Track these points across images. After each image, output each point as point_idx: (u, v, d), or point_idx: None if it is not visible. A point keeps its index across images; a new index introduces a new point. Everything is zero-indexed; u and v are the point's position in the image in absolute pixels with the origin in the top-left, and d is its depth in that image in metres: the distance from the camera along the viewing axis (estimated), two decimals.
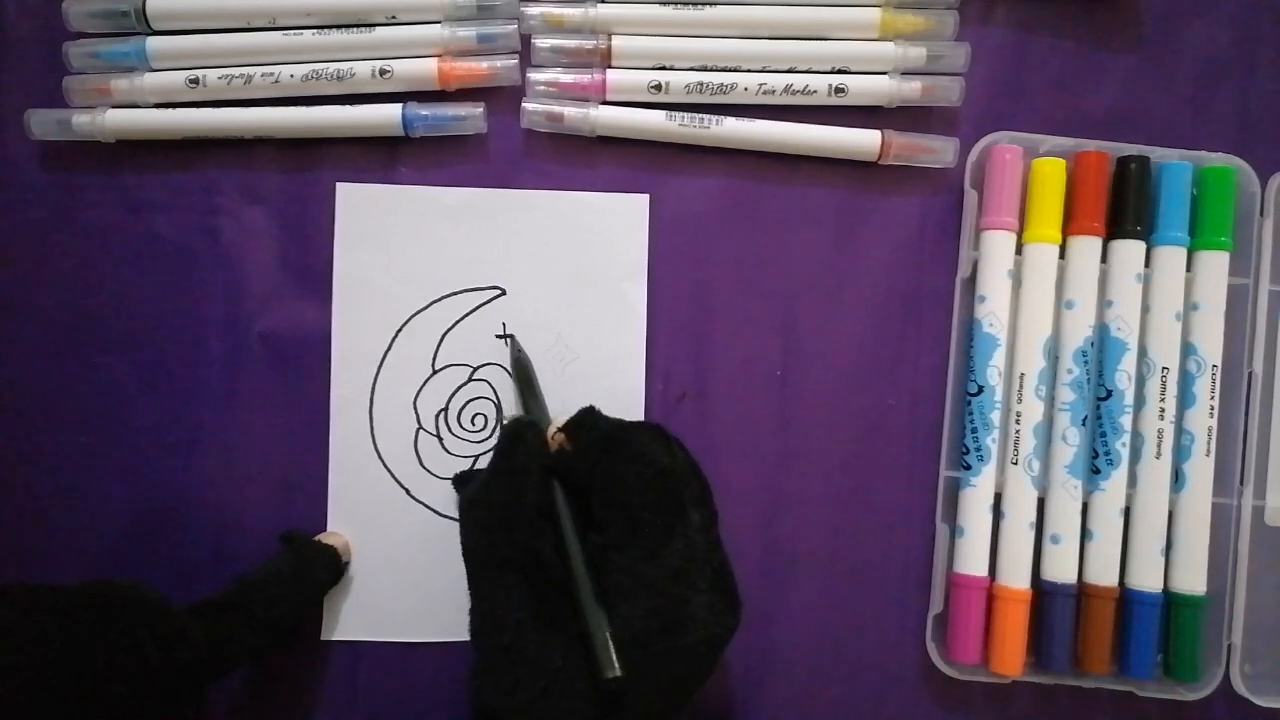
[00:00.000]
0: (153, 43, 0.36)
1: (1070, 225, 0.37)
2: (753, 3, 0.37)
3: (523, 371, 0.36)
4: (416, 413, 0.37)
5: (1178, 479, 0.37)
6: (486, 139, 0.37)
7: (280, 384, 0.37)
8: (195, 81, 0.36)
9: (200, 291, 0.37)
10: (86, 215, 0.37)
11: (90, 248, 0.37)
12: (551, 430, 0.33)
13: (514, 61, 0.37)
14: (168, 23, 0.37)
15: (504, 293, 0.38)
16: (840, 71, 0.37)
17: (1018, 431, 0.36)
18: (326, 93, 0.37)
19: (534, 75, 0.37)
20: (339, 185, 0.37)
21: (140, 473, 0.37)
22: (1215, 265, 0.37)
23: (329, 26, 0.37)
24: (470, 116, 0.36)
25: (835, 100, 0.37)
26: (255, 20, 0.37)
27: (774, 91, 0.37)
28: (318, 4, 0.36)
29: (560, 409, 0.38)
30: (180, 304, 0.37)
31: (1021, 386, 0.36)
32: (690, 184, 0.38)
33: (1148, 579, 0.36)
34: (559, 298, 0.38)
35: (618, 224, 0.37)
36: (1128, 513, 0.37)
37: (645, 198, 0.38)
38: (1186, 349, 0.37)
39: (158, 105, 0.37)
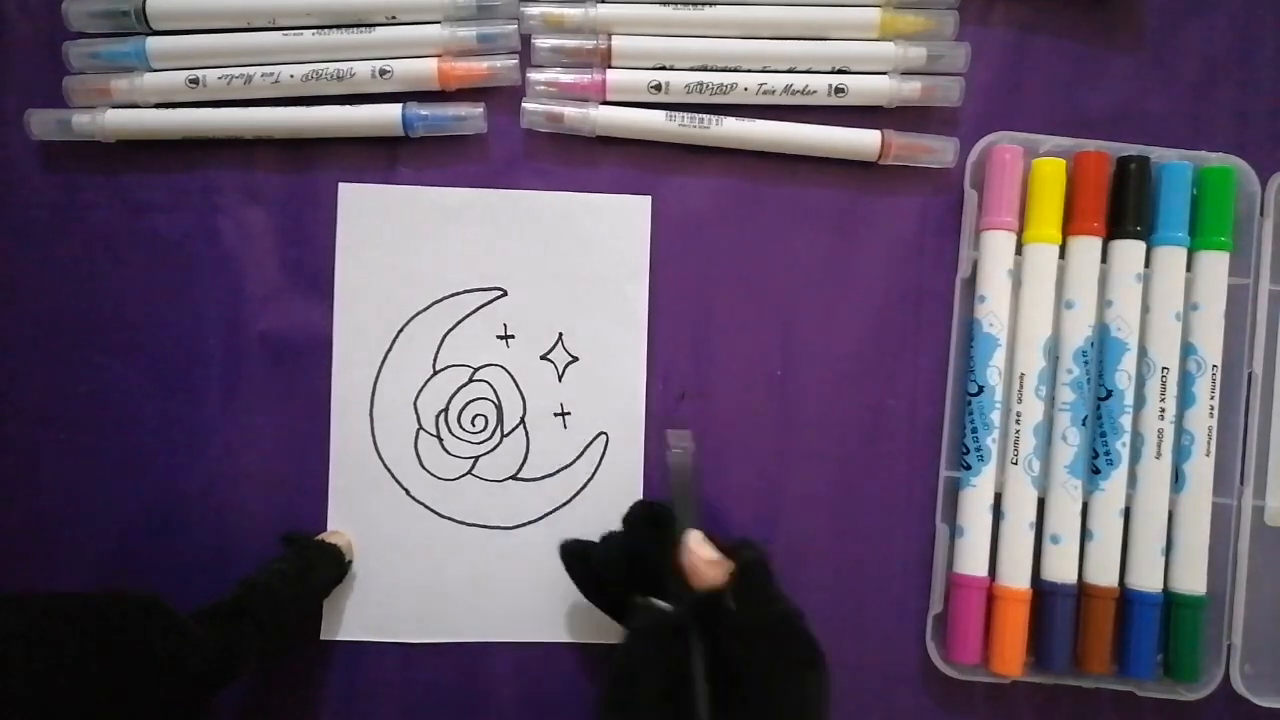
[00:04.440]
0: (153, 43, 0.38)
1: (1070, 225, 0.39)
2: (753, 3, 0.39)
3: (683, 479, 0.35)
4: (417, 413, 0.39)
5: (1178, 479, 0.38)
6: (486, 139, 0.39)
7: (280, 384, 0.39)
8: (195, 81, 0.38)
9: (200, 291, 0.39)
10: (86, 215, 0.39)
11: (90, 248, 0.39)
12: (695, 543, 0.32)
13: (514, 61, 0.38)
14: (168, 23, 0.38)
15: (505, 293, 0.39)
16: (840, 71, 0.39)
17: (1018, 431, 0.38)
18: (326, 93, 0.38)
19: (534, 75, 0.38)
20: (341, 185, 0.39)
21: (140, 472, 0.39)
22: (1215, 265, 0.38)
23: (329, 26, 0.38)
24: (470, 117, 0.38)
25: (835, 100, 0.39)
26: (255, 20, 0.38)
27: (774, 91, 0.39)
28: (318, 4, 0.38)
29: (558, 409, 0.39)
30: (180, 304, 0.39)
31: (1021, 386, 0.38)
32: (690, 184, 0.40)
33: (1148, 579, 0.38)
34: (560, 299, 0.39)
35: (619, 225, 0.39)
36: (1127, 513, 0.38)
37: (647, 199, 0.39)
38: (1186, 349, 0.39)
39: (158, 105, 0.39)
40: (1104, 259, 0.39)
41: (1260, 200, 0.39)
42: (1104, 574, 0.38)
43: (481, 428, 0.39)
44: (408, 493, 0.39)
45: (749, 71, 0.39)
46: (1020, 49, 0.41)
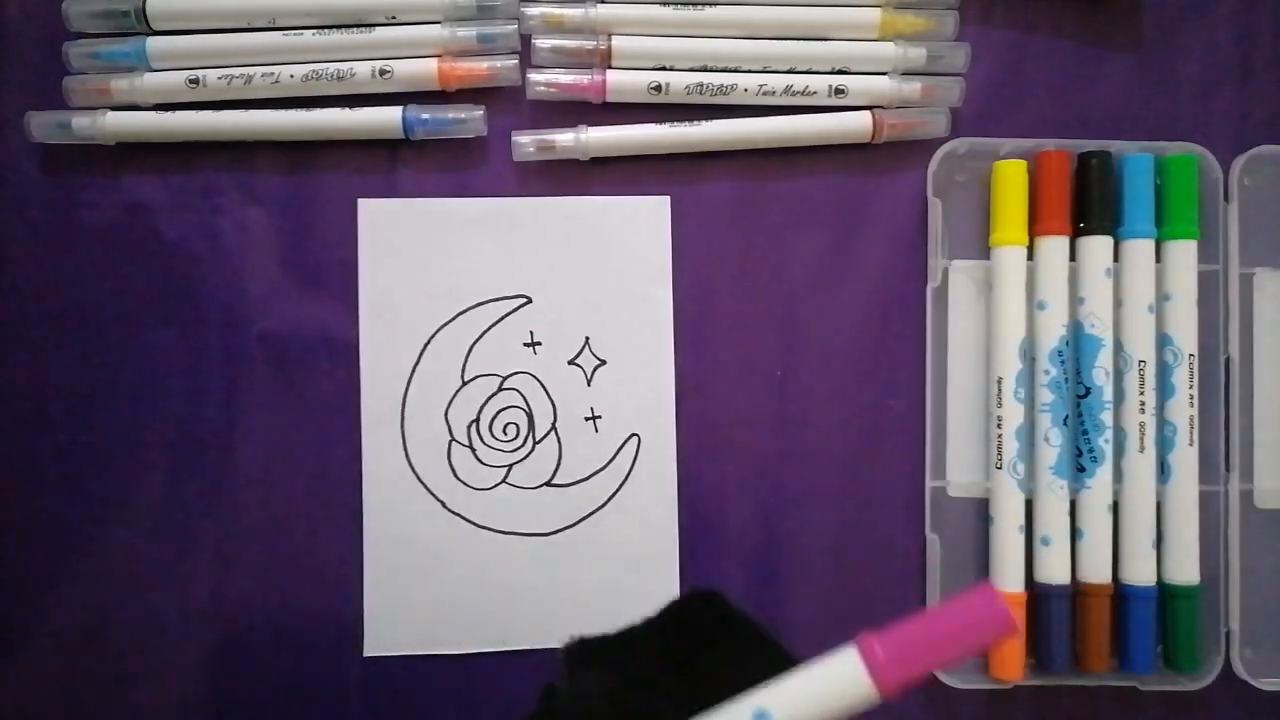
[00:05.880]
0: (153, 43, 0.39)
1: (1036, 226, 0.40)
2: (753, 3, 0.40)
3: None
4: (448, 425, 0.40)
5: (1163, 471, 0.40)
6: (487, 140, 0.41)
7: (280, 385, 0.40)
8: (195, 82, 0.39)
9: (200, 291, 0.40)
10: (87, 216, 0.40)
11: (90, 249, 0.40)
12: None
13: (514, 61, 0.40)
14: (168, 23, 0.40)
15: (530, 301, 0.41)
16: (840, 72, 0.40)
17: (999, 436, 0.40)
18: (326, 93, 0.40)
19: (534, 76, 0.40)
20: (360, 202, 0.40)
21: (141, 474, 0.40)
22: (1184, 254, 0.40)
23: (329, 26, 0.40)
24: (470, 119, 0.39)
25: (835, 100, 0.40)
26: (255, 20, 0.40)
27: (774, 92, 0.40)
28: (318, 4, 0.39)
29: (588, 413, 0.41)
30: (180, 304, 0.40)
31: (1000, 391, 0.40)
32: (690, 183, 0.41)
33: (1141, 573, 0.39)
34: (585, 303, 0.41)
35: (639, 227, 0.41)
36: (1116, 509, 0.40)
37: (665, 199, 0.41)
38: (1162, 340, 0.40)
39: (158, 105, 0.40)
40: (1072, 257, 0.40)
41: (1224, 185, 0.41)
42: (1097, 572, 0.39)
43: (513, 436, 0.41)
44: (444, 505, 0.40)
45: (749, 72, 0.40)
46: (1020, 49, 0.42)
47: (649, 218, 0.41)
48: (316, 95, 0.40)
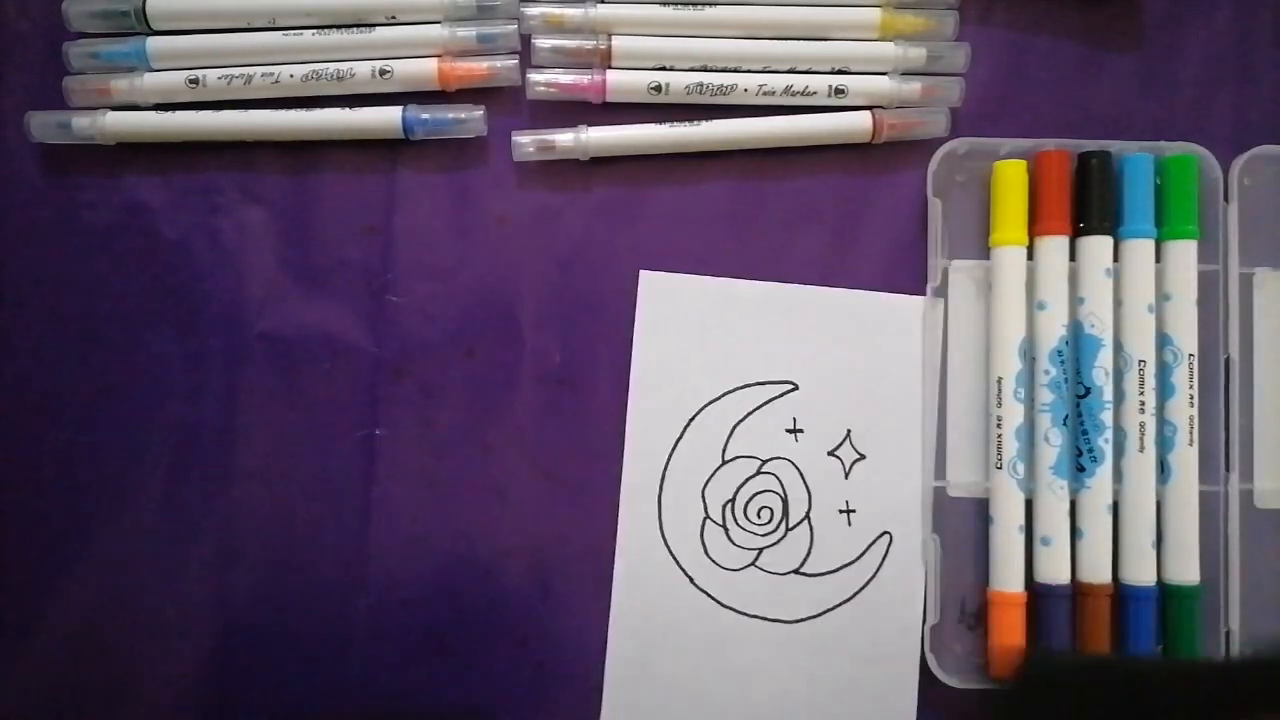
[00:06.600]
0: (153, 43, 0.40)
1: (1036, 226, 0.40)
2: (753, 3, 0.40)
3: None
4: (704, 502, 0.41)
5: (1163, 470, 0.40)
6: (487, 140, 0.41)
7: (280, 385, 0.41)
8: (195, 82, 0.40)
9: (200, 292, 0.41)
10: (86, 216, 0.41)
11: (90, 248, 0.41)
12: None
13: (514, 61, 0.40)
14: (168, 23, 0.40)
15: (796, 388, 0.41)
16: (840, 72, 0.41)
17: (999, 436, 0.40)
18: (326, 93, 0.40)
19: (534, 76, 0.40)
20: (642, 274, 0.41)
21: (141, 473, 0.40)
22: (1184, 254, 0.40)
23: (329, 26, 0.40)
24: (470, 119, 0.40)
25: (835, 101, 0.41)
26: (255, 20, 0.40)
27: (774, 93, 0.40)
28: (318, 4, 0.40)
29: (843, 506, 0.41)
30: (180, 304, 0.41)
31: (1000, 391, 0.40)
32: (690, 182, 0.42)
33: (1141, 573, 0.40)
34: (848, 396, 0.41)
35: (896, 323, 0.41)
36: (1116, 508, 0.40)
37: (921, 300, 0.41)
38: (1162, 340, 0.40)
39: (158, 105, 0.40)
40: (1072, 257, 0.41)
41: (1224, 185, 0.41)
42: (1096, 572, 0.40)
43: (767, 520, 0.41)
44: (691, 580, 0.40)
45: (749, 72, 0.41)
46: (1020, 49, 0.42)
47: (904, 315, 0.41)
48: (316, 95, 0.40)
